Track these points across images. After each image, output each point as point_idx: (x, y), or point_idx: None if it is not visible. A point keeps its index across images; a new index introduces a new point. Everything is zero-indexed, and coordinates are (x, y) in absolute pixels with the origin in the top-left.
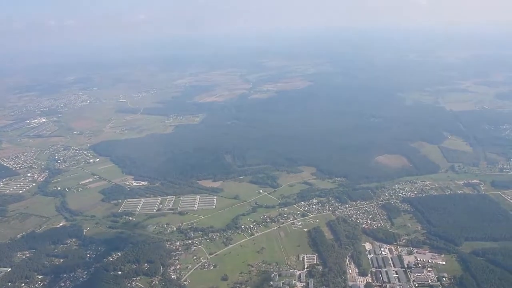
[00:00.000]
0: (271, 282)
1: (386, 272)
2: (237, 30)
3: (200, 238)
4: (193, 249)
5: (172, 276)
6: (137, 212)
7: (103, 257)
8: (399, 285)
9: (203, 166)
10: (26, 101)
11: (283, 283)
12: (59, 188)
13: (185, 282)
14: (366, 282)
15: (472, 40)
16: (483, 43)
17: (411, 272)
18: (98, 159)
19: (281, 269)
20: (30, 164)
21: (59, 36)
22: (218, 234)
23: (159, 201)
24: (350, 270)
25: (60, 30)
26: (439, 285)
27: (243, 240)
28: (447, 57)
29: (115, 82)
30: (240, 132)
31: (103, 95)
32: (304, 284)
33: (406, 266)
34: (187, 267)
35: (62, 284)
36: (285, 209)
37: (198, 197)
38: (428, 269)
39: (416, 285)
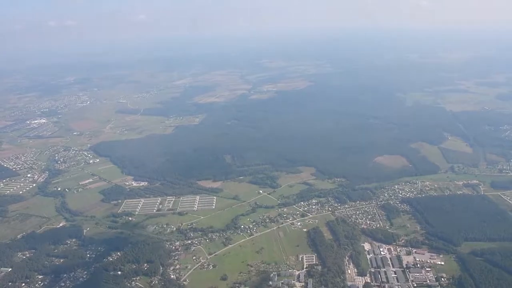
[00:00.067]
0: (270, 282)
1: (385, 272)
2: (237, 30)
3: (199, 238)
4: (192, 249)
5: (172, 276)
6: (136, 213)
7: (103, 257)
8: (398, 285)
9: (202, 167)
10: (26, 102)
11: (282, 283)
12: (59, 189)
13: (184, 282)
14: (365, 282)
15: (473, 40)
16: (484, 44)
17: (409, 272)
18: (98, 160)
19: (280, 269)
20: (30, 165)
21: (59, 37)
22: (218, 234)
23: (158, 201)
24: (349, 270)
25: (60, 31)
26: (438, 285)
27: (243, 240)
28: (447, 58)
29: (115, 83)
30: (240, 133)
31: (103, 96)
32: (303, 284)
33: (404, 266)
34: (187, 267)
35: (62, 284)
36: (285, 210)
37: (197, 197)
38: (427, 269)
39: (415, 285)
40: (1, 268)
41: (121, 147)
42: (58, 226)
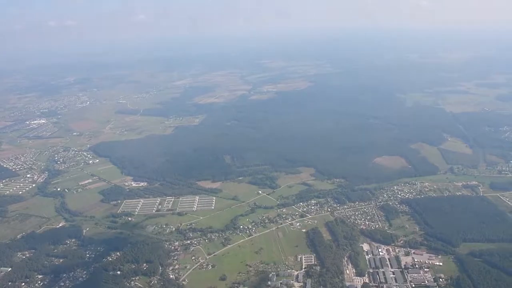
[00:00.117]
0: (269, 282)
1: (383, 272)
2: (237, 30)
3: (198, 239)
4: (191, 249)
5: (171, 276)
6: (136, 213)
7: (102, 257)
8: (396, 285)
9: (202, 167)
10: (26, 102)
11: (281, 283)
12: (58, 189)
13: (183, 282)
14: (363, 283)
15: (473, 40)
16: (484, 44)
17: (408, 273)
18: (97, 160)
19: (279, 269)
20: (29, 165)
21: (59, 37)
22: (217, 235)
23: (158, 201)
24: (347, 271)
25: (60, 31)
26: (436, 286)
27: (242, 241)
28: (447, 58)
29: (115, 83)
30: (239, 133)
31: (103, 96)
32: (302, 284)
33: (403, 267)
34: (186, 267)
35: (62, 284)
36: (284, 210)
37: (197, 197)
38: (425, 269)
39: (413, 285)
40: (1, 268)
41: (120, 148)
42: (58, 226)
